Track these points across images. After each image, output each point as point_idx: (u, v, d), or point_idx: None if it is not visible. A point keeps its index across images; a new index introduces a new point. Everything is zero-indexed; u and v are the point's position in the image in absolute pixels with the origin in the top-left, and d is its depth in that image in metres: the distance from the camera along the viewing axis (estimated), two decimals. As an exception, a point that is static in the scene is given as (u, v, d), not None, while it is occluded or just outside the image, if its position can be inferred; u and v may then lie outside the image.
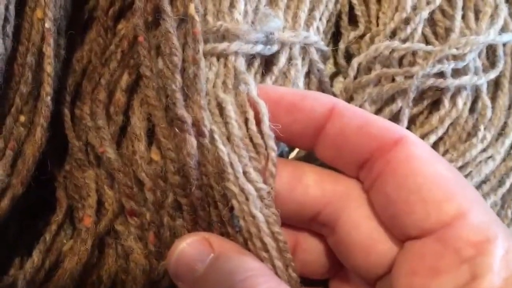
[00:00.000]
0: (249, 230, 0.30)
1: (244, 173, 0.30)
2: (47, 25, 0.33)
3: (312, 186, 0.30)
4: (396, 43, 0.36)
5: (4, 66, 0.31)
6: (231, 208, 0.30)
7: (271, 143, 0.31)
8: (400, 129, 0.28)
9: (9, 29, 0.32)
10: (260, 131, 0.31)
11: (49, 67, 0.32)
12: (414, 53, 0.37)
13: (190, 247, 0.28)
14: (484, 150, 0.36)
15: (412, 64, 0.37)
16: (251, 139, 0.32)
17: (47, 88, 0.32)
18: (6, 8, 0.32)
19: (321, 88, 0.39)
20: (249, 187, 0.29)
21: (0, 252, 0.32)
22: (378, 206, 0.28)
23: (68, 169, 0.34)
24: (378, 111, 0.36)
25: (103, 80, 0.34)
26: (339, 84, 0.41)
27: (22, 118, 0.32)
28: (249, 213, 0.29)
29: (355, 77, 0.37)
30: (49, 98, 0.32)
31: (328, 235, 0.31)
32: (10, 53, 0.32)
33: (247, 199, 0.29)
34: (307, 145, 0.31)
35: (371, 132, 0.27)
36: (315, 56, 0.39)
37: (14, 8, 0.33)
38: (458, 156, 0.35)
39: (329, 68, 0.42)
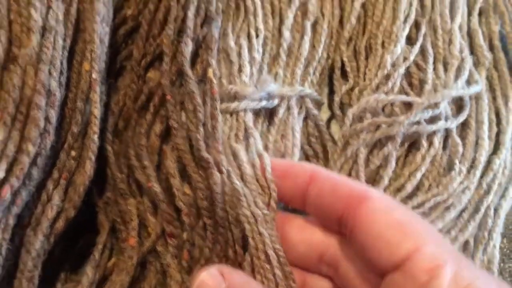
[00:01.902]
0: (257, 246, 0.36)
1: (254, 202, 0.37)
2: (94, 76, 0.40)
3: (317, 231, 0.36)
4: (382, 95, 0.43)
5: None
6: (243, 229, 0.36)
7: (273, 185, 0.38)
8: (363, 189, 0.34)
9: (63, 80, 0.39)
10: (264, 175, 0.38)
11: (95, 111, 0.39)
12: (392, 103, 0.45)
13: (208, 277, 0.33)
14: (461, 182, 0.42)
15: (391, 112, 0.44)
16: (257, 180, 0.39)
17: (94, 128, 0.39)
18: (61, 63, 0.39)
19: (318, 129, 0.46)
20: (258, 212, 0.36)
21: (48, 267, 0.38)
22: (357, 253, 0.34)
23: (109, 196, 0.40)
24: (370, 153, 0.43)
25: (142, 129, 0.41)
26: (334, 125, 0.48)
27: (73, 153, 0.38)
28: (257, 232, 0.36)
29: (350, 125, 0.43)
30: (96, 136, 0.38)
31: (333, 275, 0.36)
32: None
33: (256, 221, 0.36)
34: (298, 205, 0.37)
35: (341, 193, 0.34)
36: (310, 104, 0.46)
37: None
38: (443, 189, 0.41)
39: (325, 112, 0.48)
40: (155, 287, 0.37)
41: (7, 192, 0.34)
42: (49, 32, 0.38)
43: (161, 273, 0.38)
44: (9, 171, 0.34)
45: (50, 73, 0.37)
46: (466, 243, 0.42)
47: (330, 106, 0.49)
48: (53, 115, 0.37)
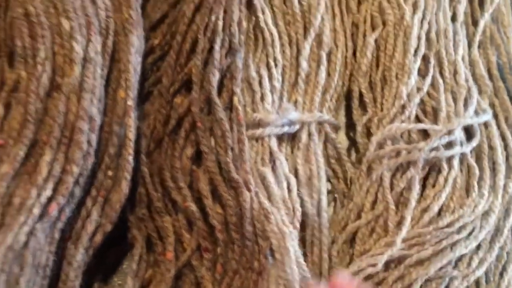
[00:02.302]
0: (283, 261, 0.39)
1: (282, 220, 0.40)
2: (129, 102, 0.43)
3: None
4: (403, 124, 0.47)
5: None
6: (270, 244, 0.39)
7: (297, 206, 0.42)
8: None
9: (101, 106, 0.42)
10: (290, 197, 0.42)
11: (130, 134, 0.42)
12: (409, 130, 0.48)
13: None
14: (485, 204, 0.46)
15: (408, 138, 0.48)
16: (283, 201, 0.42)
17: (129, 150, 0.42)
18: (100, 91, 0.42)
19: (336, 151, 0.50)
20: (285, 229, 0.39)
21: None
22: None
23: (144, 213, 0.44)
24: (393, 177, 0.46)
25: (176, 153, 0.44)
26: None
27: (110, 173, 0.41)
28: (284, 247, 0.39)
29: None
30: (130, 157, 0.42)
31: None
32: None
33: (283, 237, 0.39)
34: None
35: None
36: (328, 129, 0.50)
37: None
38: (470, 211, 0.44)
39: (343, 140, 0.52)
40: (190, 296, 0.40)
41: (54, 209, 0.37)
42: (89, 63, 0.42)
43: (195, 284, 0.41)
44: (55, 190, 0.38)
45: (91, 101, 0.41)
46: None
47: (347, 134, 0.53)
48: (94, 138, 0.40)
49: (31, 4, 0.43)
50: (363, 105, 0.51)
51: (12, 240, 0.34)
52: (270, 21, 0.52)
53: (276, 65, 0.50)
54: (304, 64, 0.51)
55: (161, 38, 0.51)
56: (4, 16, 0.45)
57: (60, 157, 0.38)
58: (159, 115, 0.48)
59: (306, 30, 0.52)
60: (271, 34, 0.51)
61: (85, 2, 0.44)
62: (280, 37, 0.52)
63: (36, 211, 0.36)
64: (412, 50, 0.51)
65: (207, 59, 0.48)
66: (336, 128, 0.51)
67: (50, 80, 0.41)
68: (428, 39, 0.52)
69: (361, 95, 0.51)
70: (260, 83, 0.49)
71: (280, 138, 0.48)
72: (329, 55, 0.52)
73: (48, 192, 0.37)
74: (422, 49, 0.51)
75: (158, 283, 0.41)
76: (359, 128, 0.50)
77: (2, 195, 0.37)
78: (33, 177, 0.37)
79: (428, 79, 0.50)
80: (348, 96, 0.53)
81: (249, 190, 0.41)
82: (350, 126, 0.53)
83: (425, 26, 0.52)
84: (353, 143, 0.52)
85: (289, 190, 0.44)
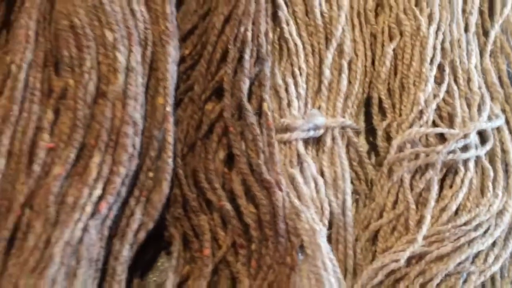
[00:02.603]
0: (314, 256, 0.42)
1: (312, 218, 0.43)
2: (167, 109, 0.46)
3: None
4: (422, 128, 0.50)
5: (140, 138, 0.44)
6: (301, 240, 0.42)
7: (325, 205, 0.45)
8: None
9: (143, 112, 0.45)
10: (319, 196, 0.45)
11: (170, 138, 0.45)
12: (427, 134, 0.51)
13: None
14: (500, 204, 0.48)
15: (426, 142, 0.51)
16: (312, 200, 0.45)
17: (169, 153, 0.45)
18: (141, 98, 0.45)
19: (358, 155, 0.53)
20: (315, 227, 0.42)
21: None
22: None
23: (180, 212, 0.46)
24: (413, 178, 0.49)
25: (210, 156, 0.47)
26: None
27: (151, 174, 0.44)
28: (315, 243, 0.42)
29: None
30: (170, 160, 0.45)
31: None
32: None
33: (314, 233, 0.42)
34: None
35: None
36: (351, 133, 0.53)
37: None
38: (485, 210, 0.47)
39: (363, 144, 0.55)
40: (227, 290, 0.43)
41: (104, 207, 0.40)
42: (131, 72, 0.45)
43: (230, 279, 0.44)
44: (104, 189, 0.40)
45: (134, 107, 0.44)
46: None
47: (367, 139, 0.56)
48: (138, 142, 0.43)
49: (76, 17, 0.46)
50: (382, 111, 0.54)
51: (69, 236, 0.37)
52: (294, 32, 0.55)
53: (300, 74, 0.54)
54: (327, 72, 0.54)
55: (192, 48, 0.54)
56: (49, 28, 0.48)
57: (108, 159, 0.41)
58: (192, 120, 0.51)
59: (327, 40, 0.55)
60: (295, 44, 0.55)
61: (126, 15, 0.47)
62: (304, 47, 0.55)
63: (89, 209, 0.39)
64: (428, 59, 0.54)
65: (237, 68, 0.51)
66: (357, 133, 0.54)
67: (96, 87, 0.44)
68: (443, 48, 0.55)
69: (380, 101, 0.54)
70: (287, 90, 0.52)
71: (306, 142, 0.51)
72: (349, 64, 0.55)
73: (98, 192, 0.40)
74: (438, 58, 0.54)
75: (196, 278, 0.43)
76: (379, 133, 0.53)
77: (56, 195, 0.39)
78: (84, 177, 0.40)
79: (444, 86, 0.53)
80: (367, 102, 0.56)
81: (280, 190, 0.44)
82: (369, 131, 0.56)
83: (440, 36, 0.56)
84: (372, 146, 0.55)
85: (317, 190, 0.47)
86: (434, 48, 0.55)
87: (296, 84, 0.53)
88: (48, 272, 0.35)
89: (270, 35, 0.54)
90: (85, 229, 0.38)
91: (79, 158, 0.42)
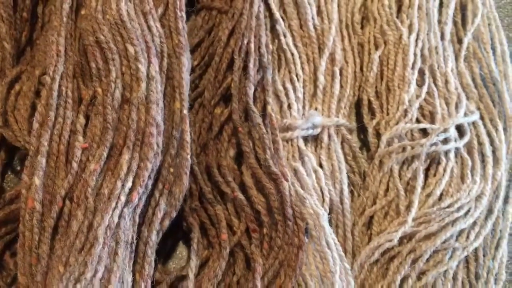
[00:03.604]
0: (319, 236, 0.48)
1: (315, 204, 0.49)
2: (184, 112, 0.52)
3: None
4: (407, 125, 0.56)
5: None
6: (306, 223, 0.48)
7: (326, 193, 0.51)
8: None
9: (162, 115, 0.51)
10: (320, 186, 0.51)
11: (187, 137, 0.51)
12: (412, 130, 0.58)
13: None
14: (478, 189, 0.55)
15: (411, 137, 0.58)
16: (314, 189, 0.51)
17: (187, 150, 0.51)
18: (161, 103, 0.51)
19: (351, 150, 0.59)
20: (319, 210, 0.48)
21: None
22: None
23: (196, 204, 0.52)
24: (401, 169, 0.56)
25: (222, 154, 0.53)
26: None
27: (172, 170, 0.50)
28: (319, 225, 0.48)
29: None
30: (188, 156, 0.50)
31: None
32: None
33: (317, 217, 0.48)
34: None
35: None
36: (344, 131, 0.59)
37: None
38: (465, 194, 0.54)
39: (355, 141, 0.61)
40: (242, 269, 0.49)
41: (135, 197, 0.45)
42: (152, 80, 0.51)
43: (245, 260, 0.49)
44: (134, 182, 0.46)
45: (156, 110, 0.49)
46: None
47: (359, 137, 0.62)
48: (160, 141, 0.49)
49: (101, 33, 0.52)
50: (371, 111, 0.61)
51: (108, 221, 0.43)
52: (291, 43, 0.62)
53: (298, 79, 0.60)
54: (321, 78, 0.60)
55: (200, 59, 0.61)
56: (75, 43, 0.54)
57: (136, 156, 0.47)
58: (203, 123, 0.57)
59: (320, 50, 0.62)
60: (292, 54, 0.61)
61: (144, 31, 0.53)
62: (300, 56, 0.61)
63: (123, 198, 0.44)
64: (410, 64, 0.61)
65: (242, 76, 0.57)
66: (350, 131, 0.60)
67: (121, 94, 0.50)
68: (422, 55, 0.63)
69: (369, 102, 0.61)
70: (286, 95, 0.59)
71: (305, 139, 0.57)
72: (341, 70, 0.62)
73: (129, 184, 0.46)
74: (418, 63, 0.61)
75: (216, 259, 0.49)
76: (370, 130, 0.60)
77: (93, 187, 0.45)
78: (116, 172, 0.46)
79: (425, 88, 0.60)
80: (357, 104, 0.63)
81: (286, 180, 0.50)
82: (360, 129, 0.62)
83: (420, 44, 0.63)
84: (363, 143, 0.62)
85: (318, 180, 0.53)
86: (415, 54, 0.62)
87: (294, 89, 0.59)
88: (94, 250, 0.40)
89: (270, 46, 0.60)
90: (121, 216, 0.44)
91: (110, 156, 0.47)
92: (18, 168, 0.58)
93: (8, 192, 0.52)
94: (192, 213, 0.52)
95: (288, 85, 0.59)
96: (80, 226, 0.43)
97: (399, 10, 0.65)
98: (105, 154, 0.47)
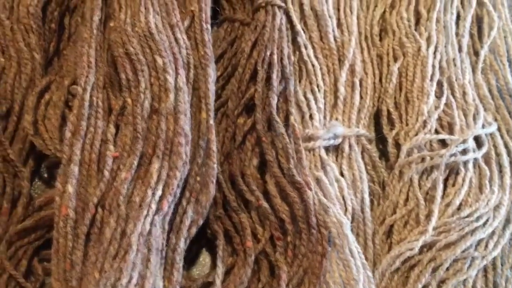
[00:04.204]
0: (342, 244, 0.49)
1: (338, 213, 0.50)
2: (210, 122, 0.53)
3: None
4: (427, 136, 0.58)
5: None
6: (329, 231, 0.50)
7: (348, 202, 0.52)
8: None
9: (190, 125, 0.52)
10: (342, 195, 0.52)
11: (214, 147, 0.52)
12: (431, 140, 0.59)
13: None
14: (496, 199, 0.56)
15: (430, 147, 0.59)
16: (336, 198, 0.52)
17: (214, 159, 0.52)
18: (189, 113, 0.52)
19: (371, 159, 0.60)
20: (342, 219, 0.50)
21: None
22: None
23: (221, 212, 0.53)
24: (420, 179, 0.57)
25: (246, 163, 0.55)
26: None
27: (198, 178, 0.51)
28: (343, 233, 0.49)
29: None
30: (215, 165, 0.52)
31: None
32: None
33: (340, 226, 0.49)
34: None
35: None
36: (365, 141, 0.61)
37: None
38: (484, 204, 0.55)
39: (375, 151, 0.62)
40: (267, 276, 0.50)
41: (165, 205, 0.47)
42: (179, 91, 0.52)
43: (269, 268, 0.50)
44: (164, 190, 0.47)
45: (184, 121, 0.51)
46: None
47: (377, 146, 0.63)
48: (188, 151, 0.50)
49: (131, 45, 0.53)
50: (390, 122, 0.62)
51: (141, 229, 0.44)
52: (312, 55, 0.63)
53: (319, 90, 0.61)
54: (341, 89, 0.62)
55: (223, 70, 0.62)
56: (105, 55, 0.55)
57: (165, 165, 0.48)
58: (227, 133, 0.58)
59: (340, 61, 0.63)
60: (313, 65, 0.63)
61: (172, 43, 0.55)
62: (320, 68, 0.63)
63: (154, 206, 0.46)
64: (429, 76, 0.62)
65: (265, 86, 0.58)
66: (370, 141, 0.61)
67: (150, 105, 0.51)
68: (440, 67, 0.64)
69: (389, 113, 0.62)
70: (308, 105, 0.60)
71: (326, 149, 0.58)
72: (360, 81, 0.63)
73: (159, 192, 0.47)
74: (437, 75, 0.63)
75: (241, 267, 0.50)
76: (389, 140, 0.61)
77: (124, 195, 0.46)
78: (146, 181, 0.47)
79: (443, 99, 0.62)
80: (376, 114, 0.64)
81: (310, 189, 0.52)
82: (379, 139, 0.64)
83: (438, 56, 0.64)
84: (382, 153, 0.63)
85: (340, 189, 0.54)
86: (433, 66, 0.63)
87: (316, 100, 0.60)
88: (128, 257, 0.42)
89: (292, 57, 0.62)
90: (152, 223, 0.45)
91: (140, 165, 0.49)
92: (45, 175, 0.60)
93: (37, 199, 0.54)
94: (217, 221, 0.53)
95: (310, 96, 0.61)
96: (113, 233, 0.44)
97: (417, 22, 0.67)
98: (135, 163, 0.48)
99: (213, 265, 0.55)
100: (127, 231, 0.44)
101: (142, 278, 0.42)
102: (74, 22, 0.64)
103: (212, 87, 0.55)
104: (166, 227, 0.47)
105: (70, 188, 0.46)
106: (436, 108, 0.61)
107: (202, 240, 0.56)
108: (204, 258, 0.57)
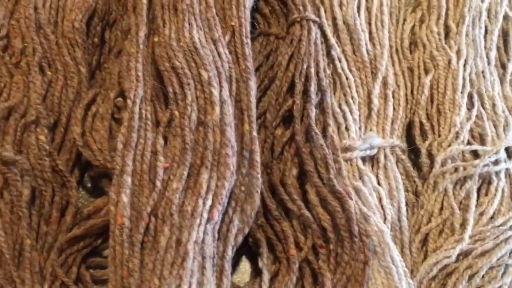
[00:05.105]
0: (383, 252, 0.51)
1: (379, 222, 0.52)
2: (253, 133, 0.55)
3: None
4: (461, 146, 0.59)
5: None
6: (371, 240, 0.51)
7: (388, 211, 0.53)
8: None
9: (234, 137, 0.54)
10: (382, 204, 0.54)
11: (257, 157, 0.54)
12: (463, 151, 0.61)
13: None
14: None
15: (463, 158, 0.61)
16: (376, 207, 0.54)
17: (257, 170, 0.54)
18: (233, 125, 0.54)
19: (405, 169, 0.62)
20: (383, 228, 0.51)
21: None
22: None
23: (262, 221, 0.55)
24: (454, 188, 0.59)
25: (287, 173, 0.56)
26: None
27: (243, 188, 0.53)
28: (384, 242, 0.51)
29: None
30: (259, 175, 0.53)
31: None
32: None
33: (382, 234, 0.51)
34: None
35: None
36: (399, 152, 0.62)
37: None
38: None
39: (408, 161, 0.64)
40: (311, 283, 0.51)
41: (215, 214, 0.48)
42: (224, 104, 0.54)
43: (312, 275, 0.52)
44: (213, 200, 0.49)
45: (230, 132, 0.53)
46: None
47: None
48: (235, 161, 0.52)
49: (177, 60, 0.55)
50: (423, 133, 0.64)
51: (196, 237, 0.46)
52: (346, 67, 0.65)
53: (353, 102, 0.63)
54: (375, 101, 0.63)
55: (259, 83, 0.64)
56: (150, 69, 0.57)
57: (214, 176, 0.50)
58: (266, 144, 0.60)
59: (373, 74, 0.65)
60: (347, 78, 0.64)
61: (215, 57, 0.57)
62: (354, 80, 0.65)
63: (205, 215, 0.48)
64: (460, 88, 0.64)
65: (303, 99, 0.60)
66: (403, 151, 0.63)
67: (197, 117, 0.53)
68: (470, 79, 0.66)
69: (421, 124, 0.64)
70: (344, 117, 0.62)
71: (362, 159, 0.60)
72: (393, 93, 0.65)
73: (209, 202, 0.49)
74: (468, 88, 0.65)
75: (285, 274, 0.52)
76: (423, 151, 0.63)
77: (176, 204, 0.48)
78: (196, 191, 0.49)
79: (474, 111, 0.63)
80: (408, 126, 0.66)
81: (351, 199, 0.53)
82: (410, 150, 0.65)
83: (468, 69, 0.66)
84: (413, 163, 0.65)
85: (379, 198, 0.56)
86: (464, 79, 0.65)
87: (351, 111, 0.62)
88: (186, 264, 0.43)
89: (327, 70, 0.64)
90: (205, 232, 0.47)
91: (189, 175, 0.50)
92: (88, 185, 0.61)
93: (85, 208, 0.56)
94: (258, 229, 0.55)
95: (345, 108, 0.62)
96: (168, 241, 0.46)
97: (446, 36, 0.69)
98: (185, 174, 0.50)
99: (254, 273, 0.57)
100: (182, 240, 0.45)
101: (200, 285, 0.43)
102: (113, 36, 0.66)
103: (253, 100, 0.57)
104: (216, 235, 0.49)
105: (125, 198, 0.48)
106: (468, 119, 0.63)
107: (243, 248, 0.58)
108: (244, 265, 0.59)
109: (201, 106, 0.54)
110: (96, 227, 0.54)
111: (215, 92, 0.54)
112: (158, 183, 0.49)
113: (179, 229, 0.46)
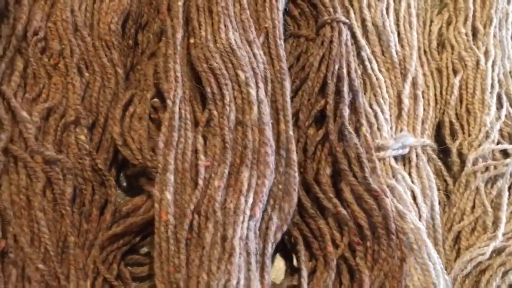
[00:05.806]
0: (420, 250, 0.52)
1: (415, 219, 0.53)
2: (290, 133, 0.56)
3: None
4: (492, 145, 0.60)
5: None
6: (408, 237, 0.52)
7: (423, 209, 0.54)
8: None
9: (272, 136, 0.55)
10: (417, 202, 0.55)
11: (294, 156, 0.54)
12: (493, 150, 0.62)
13: None
14: None
15: (493, 157, 0.62)
16: (411, 204, 0.55)
17: (294, 168, 0.53)
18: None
19: (436, 168, 0.63)
20: (419, 225, 0.52)
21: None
22: None
23: (298, 219, 0.56)
24: (485, 187, 0.60)
25: (321, 172, 0.57)
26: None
27: (280, 186, 0.53)
28: (421, 239, 0.52)
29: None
30: (296, 174, 0.54)
31: None
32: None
33: (418, 231, 0.52)
34: None
35: None
36: (430, 151, 0.63)
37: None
38: None
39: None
40: (349, 280, 0.52)
41: (257, 212, 0.49)
42: (262, 104, 0.55)
43: (349, 272, 0.53)
44: (254, 198, 0.50)
45: (269, 131, 0.54)
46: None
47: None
48: (273, 160, 0.53)
49: (214, 61, 0.56)
50: (453, 133, 0.65)
51: (240, 233, 0.47)
52: (376, 68, 0.66)
53: (384, 102, 0.64)
54: (405, 101, 0.64)
55: (290, 83, 0.65)
56: (187, 71, 0.58)
57: (254, 174, 0.51)
58: (299, 143, 0.61)
59: (402, 74, 0.66)
60: (377, 78, 0.65)
61: (251, 58, 0.58)
62: (384, 81, 0.66)
63: (248, 212, 0.49)
64: (489, 88, 0.65)
65: (335, 99, 0.61)
66: (434, 150, 0.64)
67: (235, 117, 0.54)
68: (498, 80, 0.67)
69: (451, 124, 0.65)
70: (376, 117, 0.63)
71: (395, 158, 0.61)
72: (422, 93, 0.66)
73: (251, 199, 0.50)
74: (496, 88, 0.66)
75: (323, 271, 0.53)
76: (453, 150, 0.63)
77: (219, 202, 0.49)
78: (238, 188, 0.50)
79: (503, 111, 0.64)
80: (437, 126, 0.67)
81: (387, 197, 0.54)
82: (439, 150, 0.66)
83: (496, 69, 0.67)
84: (443, 162, 0.66)
85: (415, 197, 0.57)
86: (492, 79, 0.66)
87: (382, 111, 0.63)
88: (234, 260, 0.44)
89: (358, 71, 0.65)
90: (248, 228, 0.48)
91: (230, 174, 0.51)
92: (124, 184, 0.62)
93: (124, 206, 0.57)
94: (294, 227, 0.56)
95: (376, 108, 0.63)
96: (213, 238, 0.47)
97: (474, 37, 0.70)
98: (226, 172, 0.51)
99: (289, 270, 0.58)
100: (227, 236, 0.46)
101: (247, 280, 0.44)
102: (145, 38, 0.67)
103: (289, 100, 0.58)
104: (257, 232, 0.50)
105: (168, 195, 0.49)
106: (497, 119, 0.64)
107: (276, 247, 0.59)
108: (278, 263, 0.60)
109: (239, 106, 0.55)
110: (135, 225, 0.55)
111: (253, 92, 0.55)
112: (200, 181, 0.50)
113: (223, 226, 0.47)
